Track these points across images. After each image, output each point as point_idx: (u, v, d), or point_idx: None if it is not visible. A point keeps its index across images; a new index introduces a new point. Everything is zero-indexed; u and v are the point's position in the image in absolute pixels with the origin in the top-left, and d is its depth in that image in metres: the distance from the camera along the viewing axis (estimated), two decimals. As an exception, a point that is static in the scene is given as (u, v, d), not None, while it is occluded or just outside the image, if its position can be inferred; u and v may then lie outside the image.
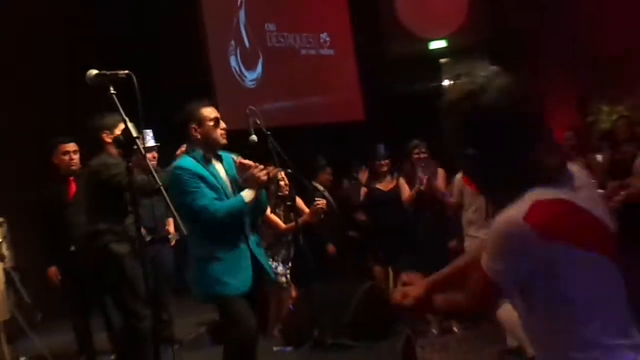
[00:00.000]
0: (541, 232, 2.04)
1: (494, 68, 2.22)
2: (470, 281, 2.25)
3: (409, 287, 2.40)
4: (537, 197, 2.08)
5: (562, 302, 2.10)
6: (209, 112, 4.74)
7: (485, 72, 2.20)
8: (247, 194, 4.75)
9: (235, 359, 4.71)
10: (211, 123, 4.70)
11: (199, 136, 4.71)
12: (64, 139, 6.87)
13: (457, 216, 7.65)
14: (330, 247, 8.66)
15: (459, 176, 7.21)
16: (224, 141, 4.79)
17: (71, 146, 6.84)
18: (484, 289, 2.17)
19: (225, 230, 4.70)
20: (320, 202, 6.00)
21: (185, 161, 4.69)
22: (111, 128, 5.47)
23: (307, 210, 6.21)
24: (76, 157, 6.84)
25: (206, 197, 4.58)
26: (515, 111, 2.14)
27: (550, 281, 2.09)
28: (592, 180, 2.31)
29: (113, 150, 4.99)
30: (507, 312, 6.59)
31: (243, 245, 4.78)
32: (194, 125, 4.71)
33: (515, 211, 2.07)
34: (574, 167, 2.29)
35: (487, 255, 2.12)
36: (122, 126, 4.08)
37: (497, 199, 2.22)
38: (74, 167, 6.80)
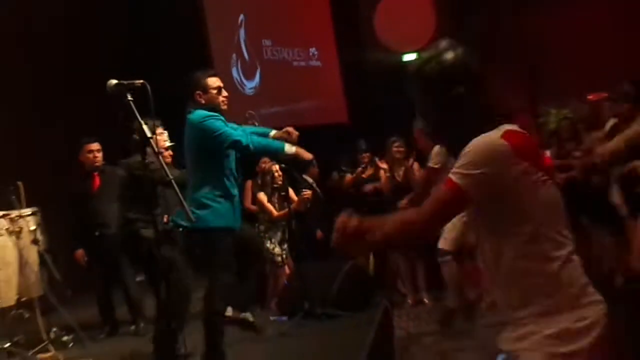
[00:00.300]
0: (516, 151, 2.12)
1: (449, 40, 2.31)
2: (426, 202, 2.23)
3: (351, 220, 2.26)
4: (506, 127, 2.19)
5: (527, 216, 2.16)
6: (213, 81, 4.74)
7: (443, 43, 2.30)
8: (290, 147, 4.80)
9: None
10: (214, 91, 4.70)
11: (203, 101, 4.69)
12: (88, 139, 6.87)
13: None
14: (319, 233, 8.66)
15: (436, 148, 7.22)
16: (224, 107, 4.78)
17: (95, 146, 6.86)
18: (444, 204, 2.19)
19: (229, 184, 4.70)
20: (306, 193, 5.99)
21: (203, 112, 4.65)
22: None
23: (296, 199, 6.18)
24: (99, 155, 6.85)
25: (237, 131, 4.63)
26: (470, 66, 2.28)
27: (517, 196, 2.14)
28: None
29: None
30: (450, 270, 6.63)
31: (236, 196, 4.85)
32: (199, 92, 4.70)
33: (493, 135, 2.16)
34: None
35: (460, 169, 2.13)
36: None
37: (459, 148, 2.20)
38: (97, 164, 6.82)
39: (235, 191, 4.86)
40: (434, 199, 2.23)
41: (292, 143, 4.92)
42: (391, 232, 2.25)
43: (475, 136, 2.17)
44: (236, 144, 4.54)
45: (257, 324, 6.13)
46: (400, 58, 14.24)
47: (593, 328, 2.14)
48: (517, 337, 2.24)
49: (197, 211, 4.54)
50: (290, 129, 5.49)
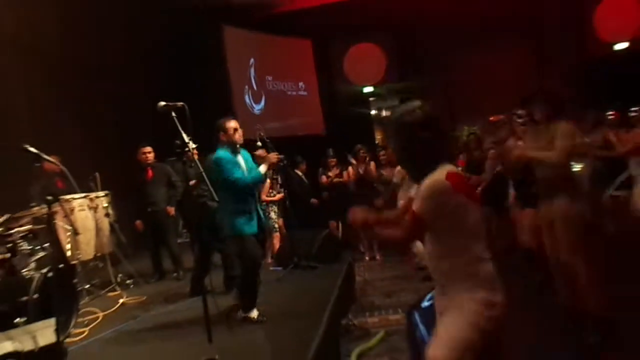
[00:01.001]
0: (454, 187, 2.22)
1: (418, 102, 2.38)
2: (404, 221, 2.37)
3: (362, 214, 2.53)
4: (447, 169, 2.28)
5: (460, 231, 2.28)
6: (231, 124, 4.66)
7: (414, 103, 2.37)
8: (263, 168, 4.74)
9: (248, 274, 4.62)
10: (232, 131, 4.63)
11: (224, 139, 4.63)
12: (143, 144, 6.83)
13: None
14: (313, 201, 8.75)
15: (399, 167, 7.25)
16: (240, 142, 4.71)
17: (147, 149, 6.83)
18: (414, 224, 2.29)
19: (246, 195, 4.63)
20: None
21: (223, 152, 4.58)
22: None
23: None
24: (150, 155, 6.82)
25: (238, 172, 4.54)
26: (434, 122, 2.35)
27: (454, 218, 2.26)
28: None
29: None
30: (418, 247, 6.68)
31: (254, 206, 4.71)
32: (221, 133, 4.64)
33: (439, 176, 2.26)
34: None
35: (419, 201, 2.26)
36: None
37: (419, 175, 2.33)
38: (149, 161, 6.79)
39: (250, 206, 4.69)
40: (406, 222, 2.34)
41: (266, 161, 4.91)
42: (388, 237, 2.50)
43: (429, 168, 2.30)
44: (236, 182, 4.51)
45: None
46: (361, 89, 14.29)
47: (499, 306, 2.27)
48: (448, 301, 2.36)
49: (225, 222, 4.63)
50: (260, 152, 5.86)
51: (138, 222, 6.77)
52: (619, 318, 3.78)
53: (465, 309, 2.28)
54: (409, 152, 2.39)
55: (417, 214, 2.26)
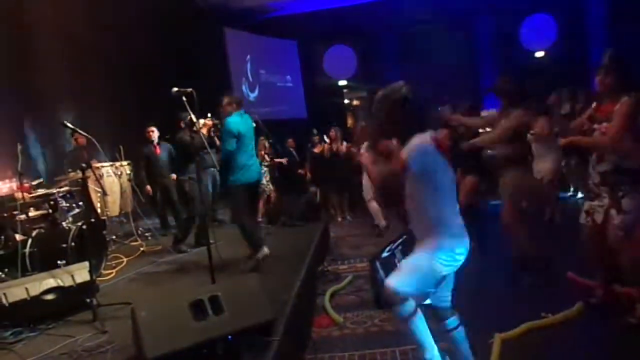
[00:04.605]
0: (437, 146, 2.23)
1: (402, 82, 2.33)
2: (393, 164, 2.31)
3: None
4: (431, 134, 2.27)
5: (438, 187, 2.25)
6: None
7: (399, 83, 2.33)
8: None
9: (238, 223, 4.50)
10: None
11: (230, 110, 4.50)
12: (150, 124, 6.68)
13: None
14: (301, 171, 8.75)
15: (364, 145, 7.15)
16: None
17: (151, 128, 6.61)
18: (401, 167, 2.23)
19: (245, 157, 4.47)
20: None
21: (232, 119, 4.41)
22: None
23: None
24: (154, 133, 6.61)
25: (226, 143, 4.38)
26: (417, 97, 2.30)
27: (433, 174, 2.23)
28: None
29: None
30: (371, 204, 6.72)
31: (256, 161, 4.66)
32: (234, 105, 4.52)
33: (425, 138, 2.24)
34: None
35: (406, 154, 2.20)
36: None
37: (407, 140, 2.26)
38: (152, 139, 6.60)
39: (249, 160, 4.49)
40: (395, 164, 2.30)
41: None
42: (381, 172, 2.41)
43: (415, 133, 2.25)
44: (223, 149, 4.43)
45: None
46: (336, 82, 14.26)
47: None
48: (417, 247, 2.34)
49: (229, 174, 4.45)
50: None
51: (148, 187, 6.60)
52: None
53: (426, 250, 2.27)
54: (397, 122, 2.32)
55: (405, 161, 2.21)
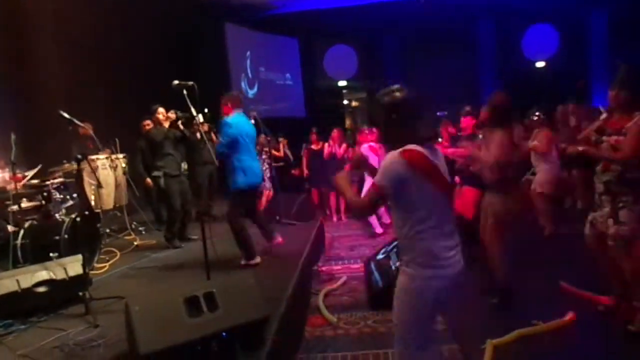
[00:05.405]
0: (409, 164, 2.02)
1: (397, 85, 2.17)
2: (366, 193, 2.18)
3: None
4: (408, 147, 2.05)
5: (413, 205, 2.07)
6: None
7: (393, 87, 2.17)
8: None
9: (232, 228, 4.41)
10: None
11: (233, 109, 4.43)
12: (146, 117, 6.30)
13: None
14: (294, 171, 8.72)
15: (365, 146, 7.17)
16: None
17: (146, 122, 6.29)
18: (373, 193, 2.09)
19: (246, 157, 4.37)
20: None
21: (231, 119, 4.33)
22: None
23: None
24: (149, 127, 6.19)
25: (223, 138, 4.32)
26: (410, 101, 2.14)
27: (408, 192, 2.05)
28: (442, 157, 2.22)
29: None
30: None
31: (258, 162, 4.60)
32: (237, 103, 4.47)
33: (397, 152, 2.04)
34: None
35: (379, 175, 2.07)
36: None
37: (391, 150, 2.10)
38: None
39: (250, 162, 4.37)
40: (368, 192, 2.15)
41: None
42: (352, 201, 2.18)
43: (398, 144, 2.09)
44: (219, 148, 4.35)
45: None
46: (336, 83, 14.26)
47: (443, 280, 2.09)
48: (400, 274, 2.20)
49: (236, 177, 4.34)
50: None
51: (147, 179, 6.38)
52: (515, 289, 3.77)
53: (406, 289, 2.14)
54: (384, 130, 2.21)
55: (375, 184, 2.07)
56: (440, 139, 6.51)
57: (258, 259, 4.39)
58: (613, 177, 3.05)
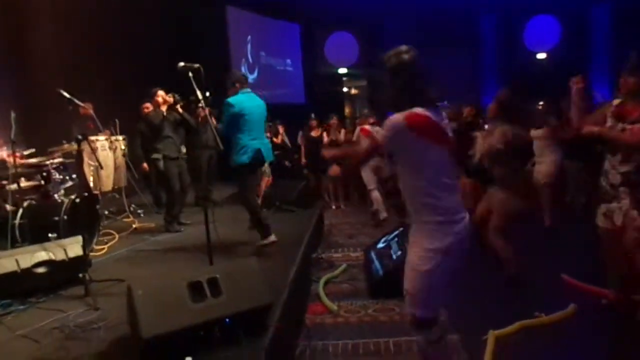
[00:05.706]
0: (410, 126, 2.02)
1: (405, 46, 2.15)
2: (366, 144, 2.23)
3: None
4: (412, 111, 2.05)
5: (418, 169, 2.09)
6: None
7: (401, 48, 2.15)
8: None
9: (248, 196, 4.37)
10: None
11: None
12: (146, 99, 6.21)
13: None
14: (286, 162, 8.65)
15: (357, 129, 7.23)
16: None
17: (146, 105, 5.98)
18: (372, 148, 2.16)
19: (247, 137, 4.28)
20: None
21: (233, 99, 4.25)
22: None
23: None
24: (148, 110, 6.26)
25: (224, 119, 4.27)
26: (416, 62, 2.14)
27: (412, 155, 2.09)
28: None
29: None
30: (374, 194, 6.72)
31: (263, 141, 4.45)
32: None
33: (400, 115, 2.05)
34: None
35: (382, 132, 2.08)
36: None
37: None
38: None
39: (253, 142, 4.27)
40: (368, 144, 2.21)
41: None
42: (347, 152, 2.27)
43: (404, 107, 2.08)
44: (220, 128, 4.25)
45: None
46: (336, 70, 14.16)
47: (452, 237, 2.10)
48: (410, 236, 2.23)
49: (232, 154, 4.29)
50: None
51: (144, 164, 6.33)
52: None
53: (427, 249, 2.13)
54: (390, 94, 2.17)
55: (376, 139, 2.13)
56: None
57: (274, 237, 4.32)
58: (633, 167, 2.99)
